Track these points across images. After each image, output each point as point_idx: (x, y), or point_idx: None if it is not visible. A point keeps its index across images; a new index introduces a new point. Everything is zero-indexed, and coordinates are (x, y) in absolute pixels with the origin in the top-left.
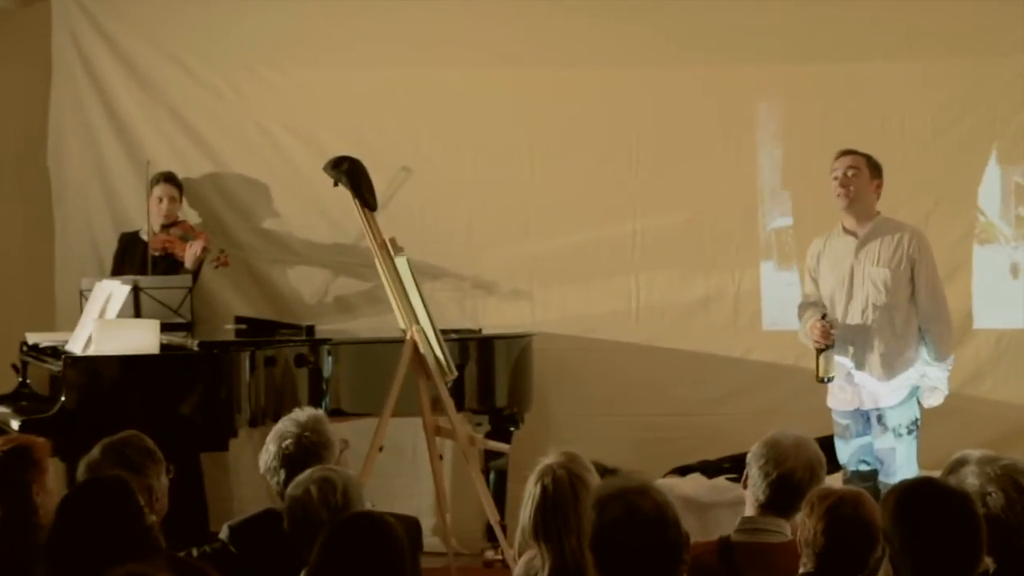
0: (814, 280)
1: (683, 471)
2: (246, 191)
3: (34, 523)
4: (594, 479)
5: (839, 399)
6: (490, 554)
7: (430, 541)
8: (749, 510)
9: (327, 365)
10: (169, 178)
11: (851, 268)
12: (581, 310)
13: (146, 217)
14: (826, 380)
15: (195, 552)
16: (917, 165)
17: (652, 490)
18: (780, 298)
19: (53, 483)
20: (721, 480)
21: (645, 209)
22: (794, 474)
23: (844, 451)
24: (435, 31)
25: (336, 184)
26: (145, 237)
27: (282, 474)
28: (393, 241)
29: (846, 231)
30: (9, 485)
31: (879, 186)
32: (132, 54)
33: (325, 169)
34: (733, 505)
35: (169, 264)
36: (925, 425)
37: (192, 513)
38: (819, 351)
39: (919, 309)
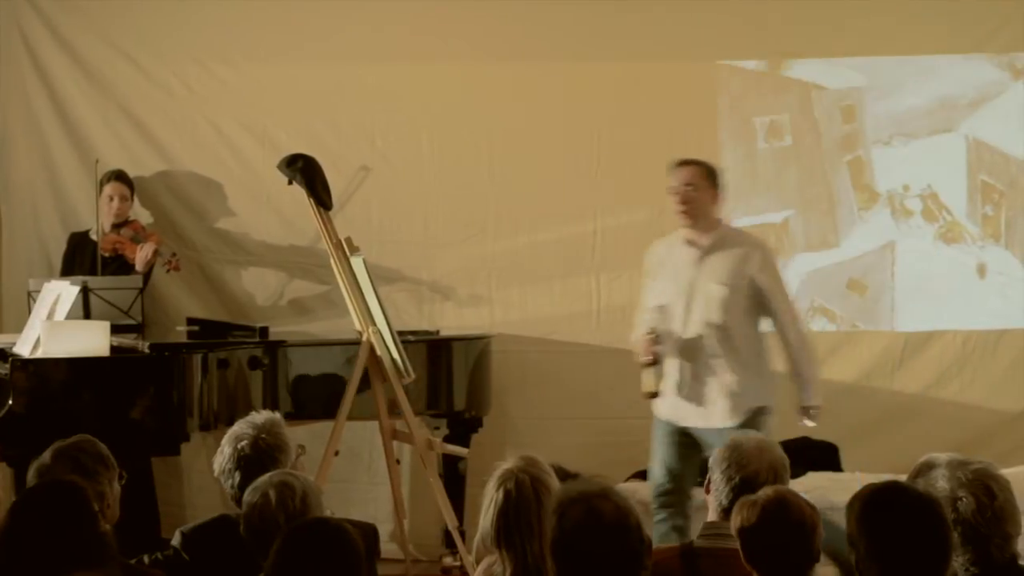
0: (653, 286)
1: (644, 475)
2: (198, 190)
3: None
4: (555, 483)
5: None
6: (448, 560)
7: (387, 547)
8: (712, 515)
9: (281, 367)
10: (120, 176)
11: (691, 281)
12: (541, 311)
13: (95, 216)
14: (651, 395)
15: (147, 559)
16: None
17: (614, 494)
18: None
19: (0, 489)
20: None
21: (606, 208)
22: (757, 477)
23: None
24: (390, 26)
25: (290, 183)
26: (95, 237)
27: (237, 477)
28: (349, 241)
29: (687, 241)
30: None
31: (718, 196)
32: (81, 49)
33: (279, 167)
34: (696, 510)
35: (120, 265)
36: (891, 428)
37: (144, 519)
38: (645, 366)
39: (786, 345)
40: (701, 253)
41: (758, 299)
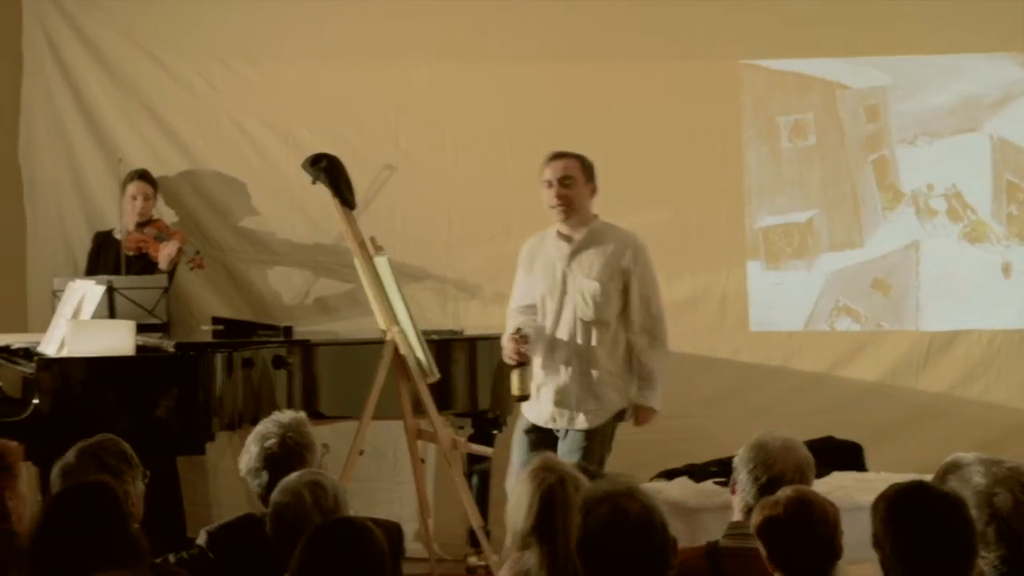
0: (525, 282)
1: (670, 475)
2: (223, 189)
3: (7, 529)
4: (585, 480)
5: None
6: (473, 560)
7: (412, 547)
8: (737, 515)
9: (306, 367)
10: (143, 175)
11: (563, 276)
12: None
13: (119, 215)
14: (520, 399)
15: (172, 558)
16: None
17: (639, 493)
18: (768, 299)
19: (26, 488)
20: (708, 484)
21: (629, 207)
22: (784, 477)
23: None
24: (414, 26)
25: (314, 182)
26: (119, 236)
27: (264, 476)
28: (373, 240)
29: (560, 235)
30: None
31: (594, 189)
32: (105, 48)
33: (303, 166)
34: (721, 509)
35: (144, 264)
36: (916, 428)
37: (169, 518)
38: (513, 367)
39: (635, 333)
40: (573, 248)
41: (626, 295)
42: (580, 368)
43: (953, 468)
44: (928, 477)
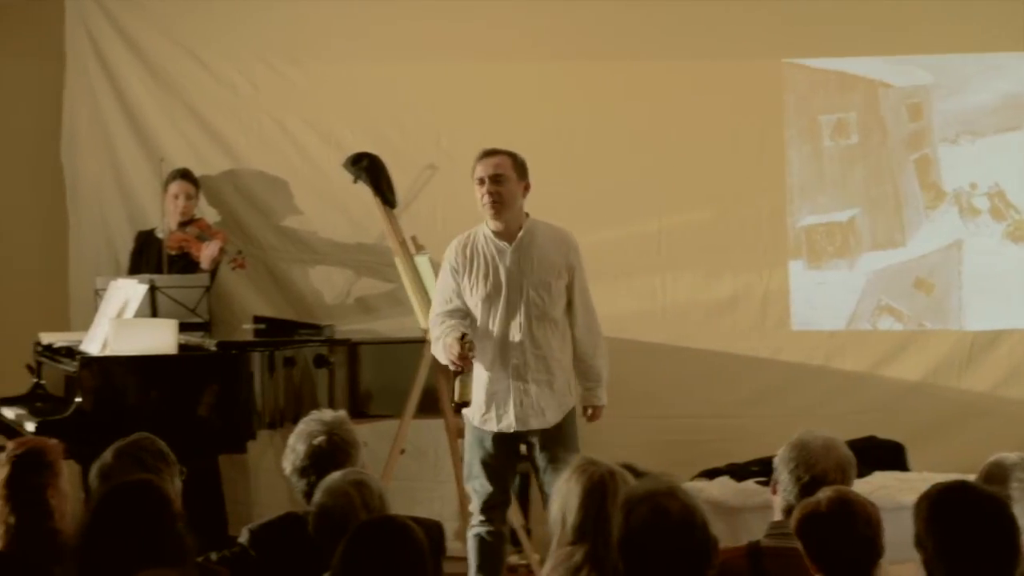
0: (459, 287)
1: (711, 474)
2: (264, 188)
3: (50, 527)
4: (630, 478)
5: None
6: (514, 558)
7: (453, 545)
8: (778, 514)
9: (347, 365)
10: (185, 175)
11: (509, 275)
12: (605, 310)
13: (161, 215)
14: (461, 405)
15: (214, 556)
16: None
17: (681, 492)
18: (809, 298)
19: (67, 485)
20: (750, 483)
21: (671, 207)
22: (826, 477)
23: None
24: (456, 26)
25: (355, 181)
26: (161, 235)
27: (311, 474)
28: (414, 239)
29: (496, 235)
30: (23, 490)
31: (527, 187)
32: (147, 47)
33: (344, 166)
34: (762, 509)
35: (186, 263)
36: (958, 427)
37: (211, 516)
38: (456, 373)
39: (579, 330)
40: (515, 246)
41: (570, 292)
42: (536, 366)
43: (996, 468)
44: (971, 477)
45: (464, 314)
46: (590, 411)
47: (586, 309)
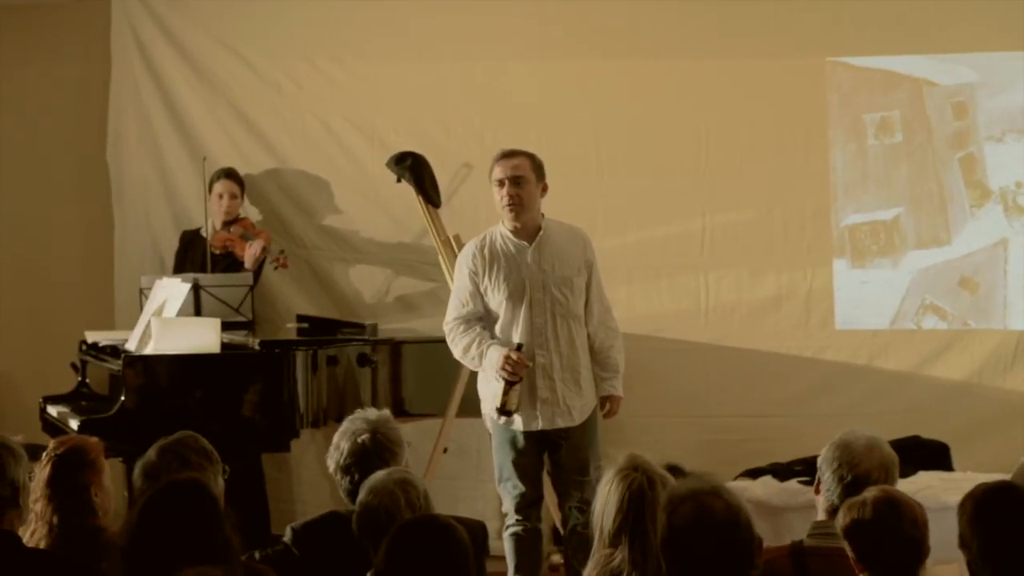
0: (478, 290)
1: (754, 474)
2: (307, 187)
3: (94, 524)
4: (670, 479)
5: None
6: (556, 558)
7: (496, 545)
8: (821, 514)
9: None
10: (229, 174)
11: (533, 275)
12: (649, 308)
13: (205, 214)
14: (508, 413)
15: (257, 555)
16: None
17: (724, 492)
18: (853, 297)
19: (110, 482)
20: (793, 483)
21: (714, 205)
22: (869, 476)
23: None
24: (500, 24)
25: (399, 180)
26: (206, 235)
27: (355, 473)
28: (457, 238)
29: (516, 235)
30: (65, 489)
31: (545, 188)
32: (191, 47)
33: (388, 165)
34: (805, 509)
35: (230, 262)
36: (1003, 427)
37: (254, 515)
38: (510, 384)
39: (595, 324)
40: (537, 246)
41: (587, 288)
42: (562, 364)
43: None
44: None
45: (480, 317)
46: (608, 404)
47: (602, 304)
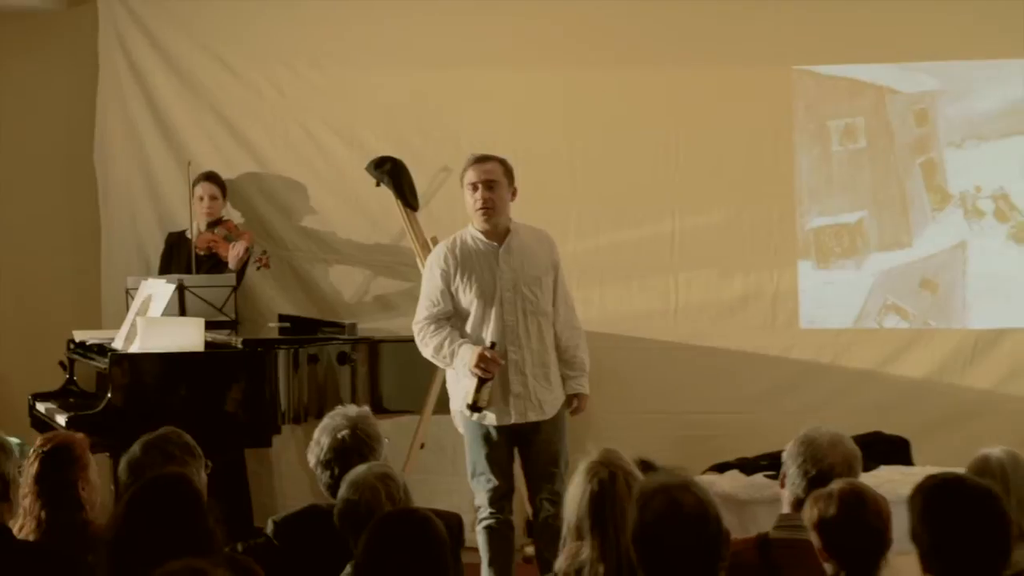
0: (449, 289)
1: (721, 468)
2: (288, 190)
3: (81, 518)
4: (640, 475)
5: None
6: (529, 550)
7: (471, 536)
8: (786, 507)
9: (369, 362)
10: (209, 176)
11: (504, 274)
12: (621, 309)
13: (189, 217)
14: (478, 409)
15: (240, 546)
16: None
17: (694, 486)
18: (818, 297)
19: (97, 477)
20: (759, 477)
21: (684, 209)
22: (833, 471)
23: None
24: (476, 31)
25: (378, 184)
26: (191, 236)
27: (335, 467)
28: (434, 240)
29: (487, 238)
30: (53, 484)
31: (515, 192)
32: (176, 54)
33: (368, 169)
34: (771, 502)
35: (214, 263)
36: (962, 424)
37: (236, 508)
38: (482, 381)
39: (561, 324)
40: (507, 247)
41: (553, 288)
42: (534, 360)
43: (983, 462)
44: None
45: (449, 316)
46: (575, 401)
47: (567, 305)
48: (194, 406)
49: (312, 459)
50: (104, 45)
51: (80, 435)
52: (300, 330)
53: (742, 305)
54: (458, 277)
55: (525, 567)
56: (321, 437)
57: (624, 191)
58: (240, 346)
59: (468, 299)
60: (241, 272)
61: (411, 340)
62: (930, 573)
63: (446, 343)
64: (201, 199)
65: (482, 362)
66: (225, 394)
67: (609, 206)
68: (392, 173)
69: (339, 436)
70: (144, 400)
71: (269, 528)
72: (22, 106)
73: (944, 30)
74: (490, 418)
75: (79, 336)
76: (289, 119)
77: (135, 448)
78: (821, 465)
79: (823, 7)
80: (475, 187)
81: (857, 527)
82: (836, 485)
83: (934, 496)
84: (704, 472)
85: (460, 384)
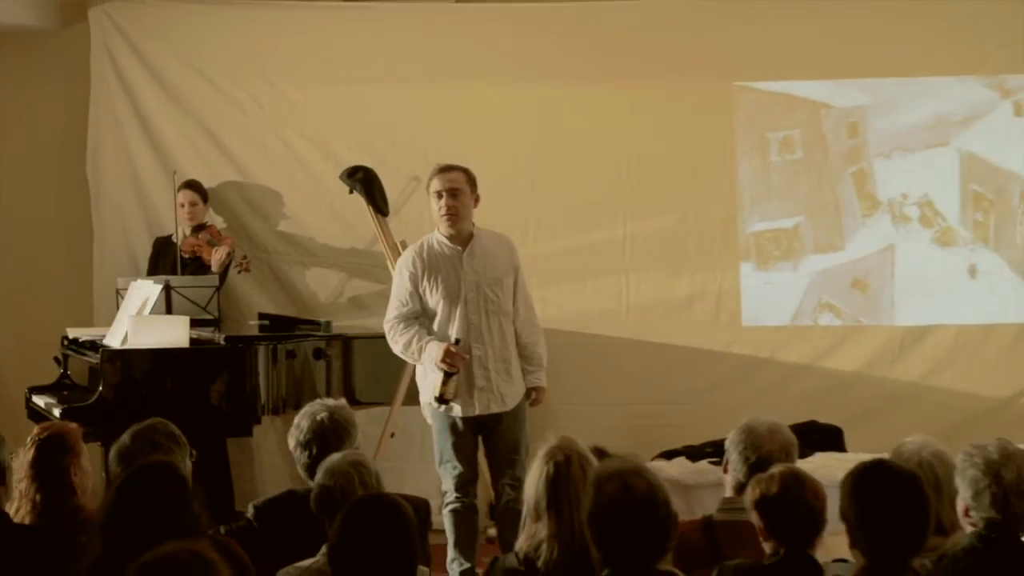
0: (417, 290)
1: (669, 455)
2: (268, 198)
3: (74, 503)
4: (595, 460)
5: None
6: (492, 532)
7: (438, 519)
8: (729, 491)
9: (343, 357)
10: (190, 184)
11: (468, 276)
12: (576, 307)
13: (175, 222)
14: (445, 401)
15: (222, 529)
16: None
17: (646, 472)
18: (758, 296)
19: (89, 464)
20: (704, 464)
21: (635, 214)
22: (771, 457)
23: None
24: (443, 49)
25: (351, 191)
26: (176, 240)
27: (313, 448)
28: (403, 244)
29: (451, 242)
30: (49, 470)
31: (477, 199)
32: (164, 71)
33: (341, 178)
34: (715, 486)
35: (198, 266)
36: (890, 413)
37: (219, 494)
38: (448, 375)
39: (521, 322)
40: (471, 250)
41: (514, 289)
42: (496, 356)
43: (899, 450)
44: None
45: (417, 316)
46: (534, 394)
47: (527, 304)
48: (180, 398)
49: (292, 441)
50: (96, 63)
51: (74, 425)
52: (279, 328)
53: (688, 304)
54: (425, 279)
55: (488, 547)
56: (301, 421)
57: (579, 198)
58: (223, 343)
59: (435, 299)
60: (223, 274)
61: (382, 337)
62: (856, 547)
63: (414, 340)
64: (182, 205)
65: (448, 357)
66: (209, 387)
67: (565, 212)
68: (364, 181)
69: (318, 419)
70: (133, 393)
71: (250, 512)
72: (20, 119)
73: (875, 49)
74: (456, 409)
75: (72, 333)
76: (268, 131)
77: (125, 437)
78: (760, 452)
79: (762, 28)
80: (440, 195)
81: (796, 507)
82: (776, 469)
83: (861, 478)
84: (653, 459)
85: (428, 378)
